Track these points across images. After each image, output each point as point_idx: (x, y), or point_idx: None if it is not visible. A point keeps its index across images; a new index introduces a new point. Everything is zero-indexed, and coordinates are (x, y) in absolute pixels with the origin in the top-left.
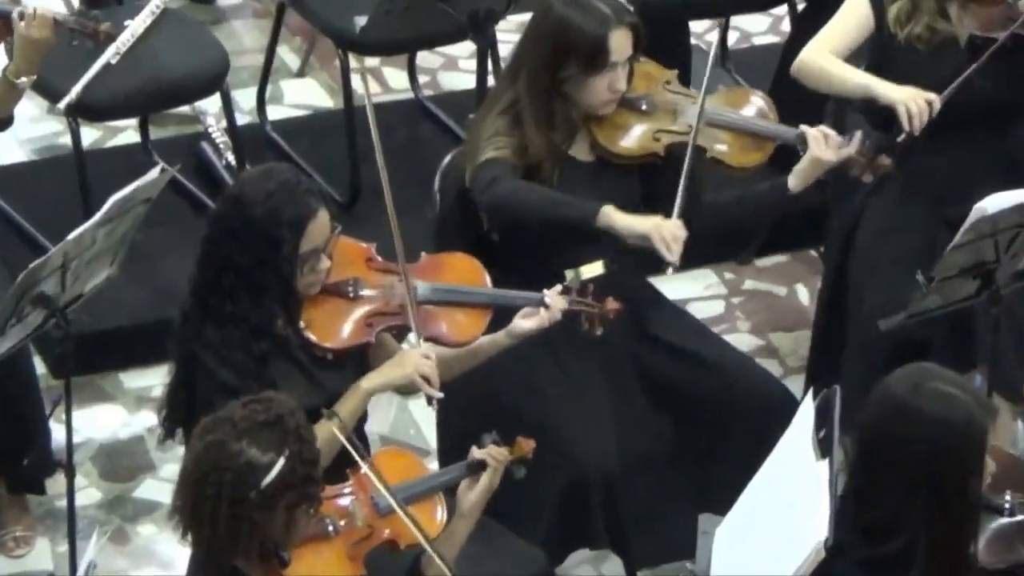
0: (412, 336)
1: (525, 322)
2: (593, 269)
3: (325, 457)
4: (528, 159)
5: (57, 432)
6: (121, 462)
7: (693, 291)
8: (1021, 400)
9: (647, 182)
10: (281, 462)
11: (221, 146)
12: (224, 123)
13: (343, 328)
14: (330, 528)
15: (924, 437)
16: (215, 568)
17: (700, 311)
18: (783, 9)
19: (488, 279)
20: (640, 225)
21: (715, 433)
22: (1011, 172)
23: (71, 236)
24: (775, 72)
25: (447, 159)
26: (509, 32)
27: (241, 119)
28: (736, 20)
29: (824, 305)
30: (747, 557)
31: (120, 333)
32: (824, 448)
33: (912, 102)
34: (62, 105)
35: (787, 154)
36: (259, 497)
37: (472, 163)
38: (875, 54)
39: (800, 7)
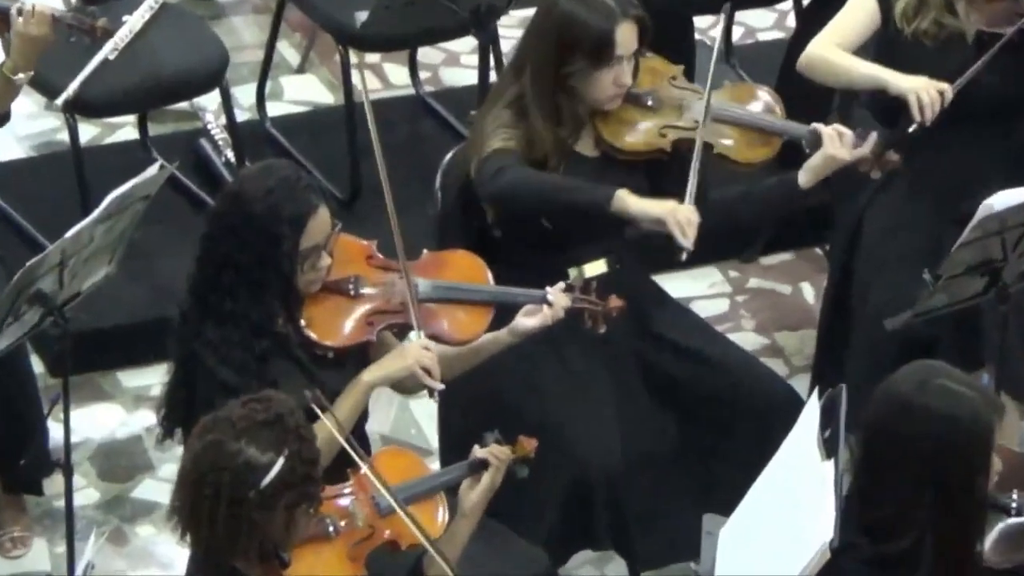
0: (413, 335)
1: (527, 320)
2: (596, 267)
3: (325, 457)
4: (534, 152)
5: (55, 431)
6: (119, 462)
7: (697, 289)
8: None
9: (652, 178)
10: (281, 462)
11: (220, 143)
12: (223, 119)
13: (344, 326)
14: (330, 528)
15: (930, 434)
16: (214, 569)
17: (704, 310)
18: (788, 4)
19: (490, 276)
20: (655, 209)
21: (719, 433)
22: (1018, 169)
23: (69, 233)
24: (780, 68)
25: (448, 156)
26: (511, 28)
27: (240, 115)
28: (741, 15)
29: (830, 304)
30: (752, 558)
31: (118, 331)
32: (829, 448)
33: (924, 91)
34: (60, 101)
35: (794, 152)
36: (258, 497)
37: (478, 155)
38: (881, 50)
39: (805, 2)
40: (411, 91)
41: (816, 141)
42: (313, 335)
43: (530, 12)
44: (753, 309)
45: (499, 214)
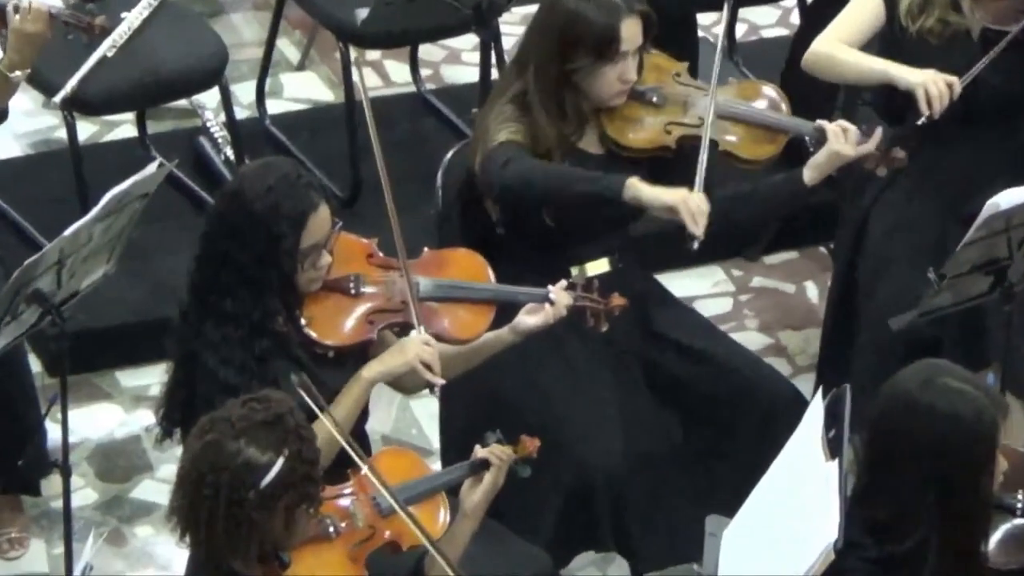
0: (414, 333)
1: (529, 318)
2: (599, 266)
3: (325, 456)
4: (538, 148)
5: (53, 432)
6: (118, 462)
7: (700, 288)
8: None
9: (656, 176)
10: (280, 462)
11: (220, 141)
12: (223, 117)
13: (344, 325)
14: (331, 529)
15: (934, 433)
16: (214, 570)
17: (707, 309)
18: (792, 1)
19: (492, 274)
20: (667, 196)
21: (722, 433)
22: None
23: (67, 232)
24: (784, 65)
25: (450, 154)
26: (513, 24)
27: (240, 113)
28: (744, 12)
29: (834, 303)
30: (755, 559)
31: (117, 331)
32: (834, 448)
33: (932, 84)
34: (58, 99)
35: (798, 149)
36: (258, 497)
37: (483, 148)
38: (885, 48)
39: None
40: (412, 88)
41: (821, 138)
42: (313, 334)
43: (532, 9)
44: (757, 308)
45: (503, 211)
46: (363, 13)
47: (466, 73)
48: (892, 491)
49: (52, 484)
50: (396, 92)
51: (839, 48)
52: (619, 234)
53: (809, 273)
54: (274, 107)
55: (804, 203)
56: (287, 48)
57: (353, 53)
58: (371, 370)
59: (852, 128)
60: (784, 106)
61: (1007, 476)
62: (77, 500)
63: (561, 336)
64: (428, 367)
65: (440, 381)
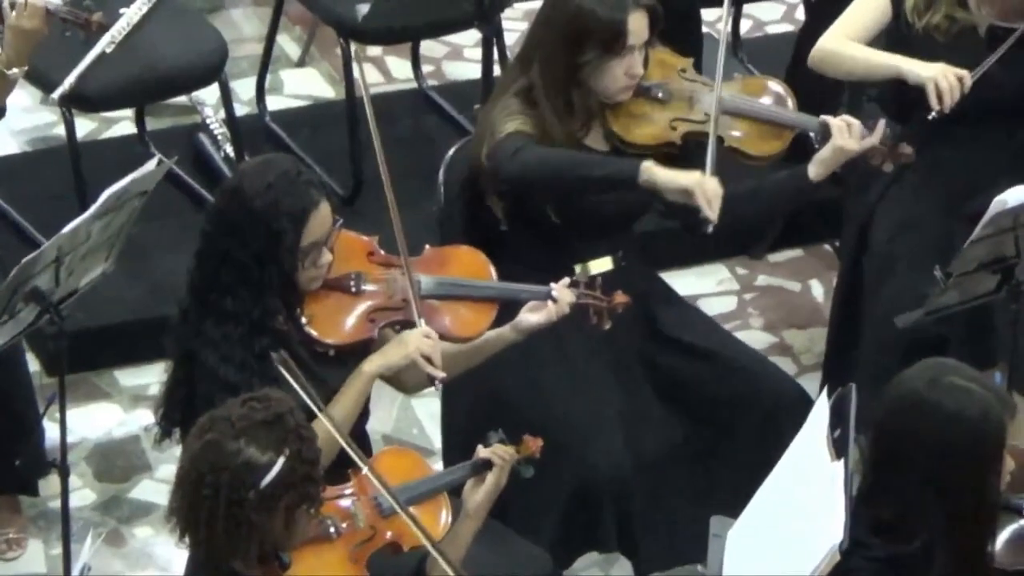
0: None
1: (532, 316)
2: (602, 264)
3: (325, 456)
4: (545, 141)
5: (51, 431)
6: (116, 462)
7: (704, 287)
8: None
9: None
10: (281, 461)
11: (219, 137)
12: (222, 114)
13: (345, 323)
14: (331, 530)
15: (940, 432)
16: (213, 570)
17: (711, 307)
18: None
19: (494, 272)
20: (683, 179)
21: (727, 433)
22: None
23: (65, 230)
24: (789, 61)
25: (452, 151)
26: (515, 20)
27: (240, 110)
28: (749, 8)
29: (840, 301)
30: (760, 560)
31: (116, 330)
32: (839, 448)
33: (943, 78)
34: (56, 95)
35: (803, 146)
36: (258, 497)
37: (490, 140)
38: (892, 45)
39: None
40: (413, 85)
41: (825, 133)
42: (314, 333)
43: (535, 4)
44: (761, 307)
45: (510, 205)
46: (364, 8)
47: (468, 69)
48: (898, 491)
49: (50, 484)
50: (397, 88)
51: (846, 44)
52: (623, 232)
53: (814, 271)
54: (274, 104)
55: (809, 199)
56: (287, 44)
57: (353, 48)
58: (372, 364)
59: (856, 123)
60: (790, 102)
61: (1014, 476)
62: (75, 500)
63: (564, 334)
64: (429, 360)
65: (441, 374)
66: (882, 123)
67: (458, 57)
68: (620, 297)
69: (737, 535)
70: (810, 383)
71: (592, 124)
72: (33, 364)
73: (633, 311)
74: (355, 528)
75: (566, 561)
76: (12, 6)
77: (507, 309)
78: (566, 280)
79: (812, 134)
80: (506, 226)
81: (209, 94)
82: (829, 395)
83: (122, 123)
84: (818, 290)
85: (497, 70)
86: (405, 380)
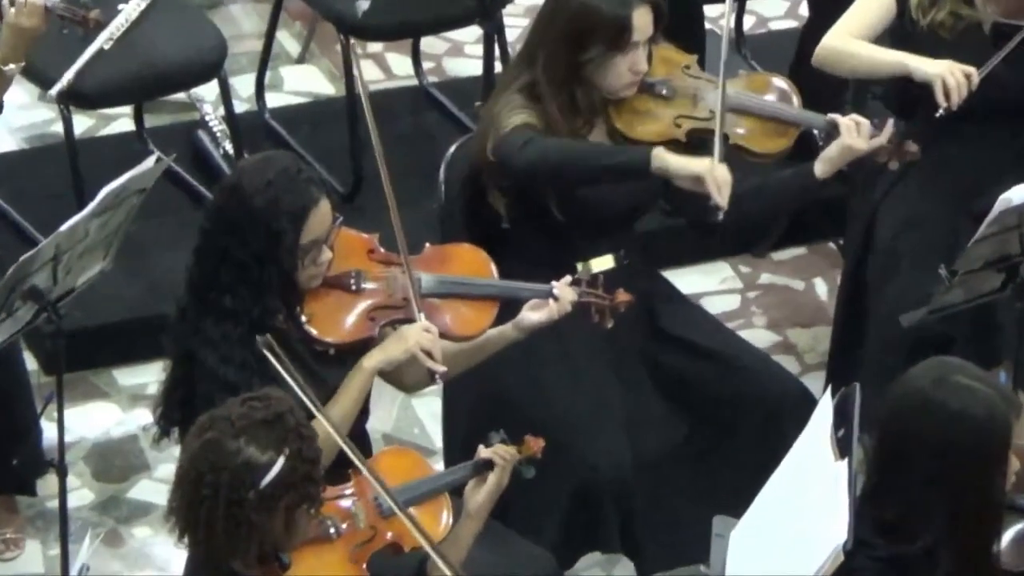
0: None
1: (533, 314)
2: (603, 263)
3: (325, 456)
4: (549, 136)
5: (48, 431)
6: (115, 462)
7: (707, 285)
8: None
9: None
10: (281, 461)
11: (218, 135)
12: (221, 111)
13: (345, 322)
14: (331, 530)
15: (945, 432)
16: (213, 571)
17: (715, 306)
18: None
19: (495, 270)
20: (694, 165)
21: (730, 432)
22: None
23: (63, 228)
24: (793, 58)
25: (453, 148)
26: (517, 16)
27: (239, 107)
28: (752, 4)
29: (844, 300)
30: (763, 560)
31: (114, 328)
32: (843, 447)
33: (950, 75)
34: (54, 92)
35: (806, 143)
36: (258, 497)
37: (495, 134)
38: (896, 42)
39: None
40: (414, 82)
41: (832, 131)
42: (314, 331)
43: (537, 0)
44: (765, 305)
45: (515, 201)
46: (364, 4)
47: (469, 66)
48: (902, 491)
49: (48, 484)
50: (398, 85)
51: (851, 42)
52: (626, 230)
53: (818, 269)
54: (274, 100)
55: (815, 197)
56: (287, 40)
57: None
58: (372, 359)
59: (864, 122)
60: (795, 99)
61: (1019, 476)
62: (73, 500)
63: (565, 333)
64: (428, 354)
65: (441, 368)
66: (891, 122)
67: (459, 54)
68: (622, 295)
69: (740, 535)
70: (814, 382)
71: (596, 121)
72: (31, 363)
73: (635, 310)
74: (355, 528)
75: (568, 561)
76: (11, 3)
77: (508, 308)
78: (568, 278)
79: (816, 131)
80: (508, 223)
81: (208, 91)
82: (833, 394)
83: (120, 120)
84: (822, 288)
85: (498, 67)
86: (405, 378)
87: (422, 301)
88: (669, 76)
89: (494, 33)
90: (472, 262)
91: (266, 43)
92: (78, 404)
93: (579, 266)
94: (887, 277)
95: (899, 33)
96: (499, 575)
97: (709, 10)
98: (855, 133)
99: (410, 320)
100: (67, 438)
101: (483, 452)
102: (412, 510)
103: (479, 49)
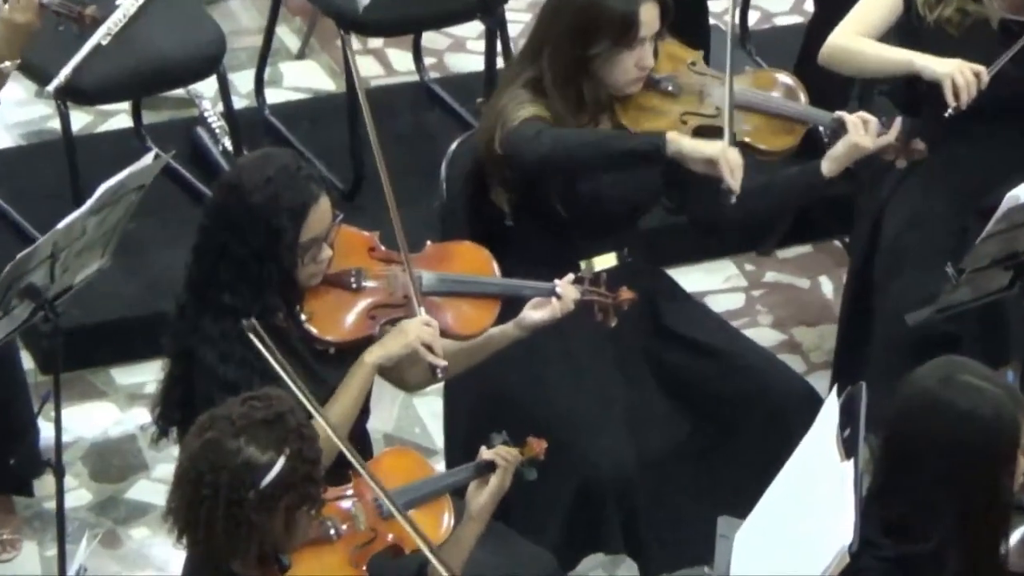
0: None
1: (535, 313)
2: (606, 260)
3: (325, 456)
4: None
5: (45, 430)
6: (113, 462)
7: (712, 284)
8: None
9: (669, 166)
10: (281, 461)
11: (217, 131)
12: (220, 107)
13: (345, 321)
14: (331, 531)
15: (953, 431)
16: (212, 572)
17: (719, 304)
18: None
19: (496, 268)
20: (708, 148)
21: (734, 432)
22: None
23: (60, 225)
24: (798, 54)
25: (454, 145)
26: (519, 12)
27: (238, 103)
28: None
29: (850, 298)
30: (768, 561)
31: (112, 327)
32: (849, 447)
33: (959, 74)
34: (51, 88)
35: (812, 140)
36: (258, 498)
37: (502, 128)
38: (903, 39)
39: None
40: (415, 78)
41: (839, 129)
42: (314, 330)
43: None
44: (770, 304)
45: (522, 195)
46: (364, 0)
47: (471, 62)
48: (909, 491)
49: (45, 484)
50: (399, 81)
51: (858, 40)
52: (629, 227)
53: (824, 268)
54: (273, 96)
55: (821, 196)
56: (287, 36)
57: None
58: (372, 354)
59: (872, 119)
60: (802, 95)
61: None
62: (71, 501)
63: (568, 331)
64: (429, 348)
65: (442, 363)
66: (898, 120)
67: (461, 49)
68: (626, 294)
69: (745, 535)
70: (820, 381)
71: (601, 117)
72: (28, 362)
73: (639, 308)
74: (355, 530)
75: (571, 562)
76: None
77: (510, 306)
78: (570, 276)
79: (822, 129)
80: (512, 220)
81: (207, 87)
82: (839, 393)
83: (118, 116)
84: (827, 287)
85: (500, 63)
86: (406, 377)
87: (423, 299)
88: (675, 72)
89: (496, 29)
90: (474, 260)
91: (266, 38)
92: (75, 403)
93: (582, 264)
94: (893, 275)
95: (905, 29)
96: (500, 575)
97: (713, 5)
98: (862, 131)
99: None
100: (64, 438)
101: (485, 453)
102: (413, 512)
103: (481, 45)
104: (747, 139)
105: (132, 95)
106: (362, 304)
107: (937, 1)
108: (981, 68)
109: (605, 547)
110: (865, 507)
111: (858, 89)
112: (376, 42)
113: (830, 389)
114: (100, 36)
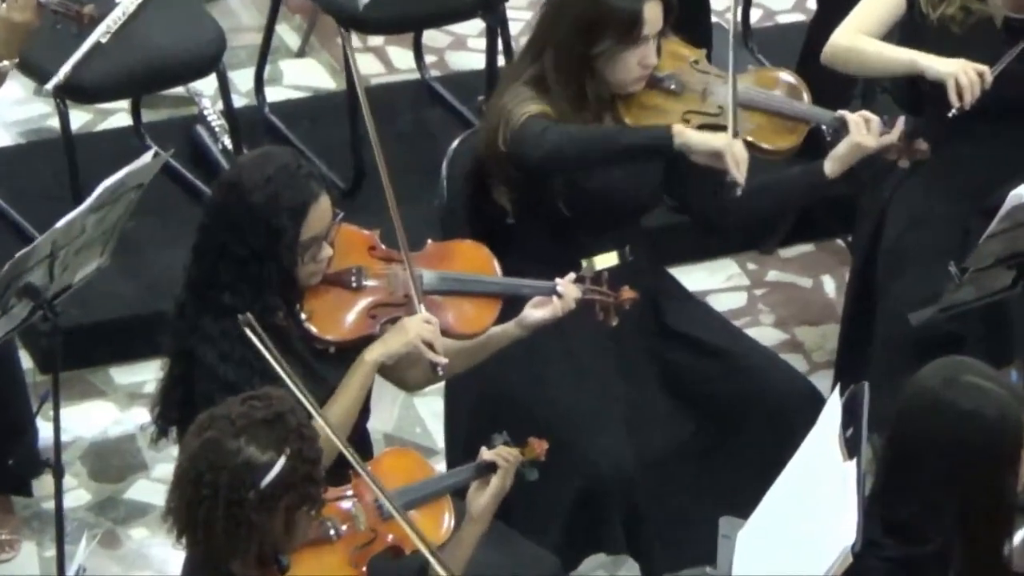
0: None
1: (537, 312)
2: (607, 259)
3: (326, 456)
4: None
5: (44, 430)
6: (112, 462)
7: (714, 283)
8: None
9: (671, 165)
10: (281, 461)
11: (217, 129)
12: (220, 105)
13: (345, 320)
14: (331, 532)
15: (956, 432)
16: (211, 573)
17: (721, 303)
18: None
19: (498, 267)
20: (714, 140)
21: (736, 432)
22: None
23: (59, 224)
24: (800, 52)
25: (455, 143)
26: (520, 9)
27: (238, 101)
28: None
29: (852, 298)
30: (770, 561)
31: (111, 326)
32: (851, 447)
33: (963, 74)
34: (50, 86)
35: (814, 139)
36: (258, 498)
37: (506, 126)
38: (906, 37)
39: None
40: (416, 76)
41: (841, 128)
42: (314, 329)
43: None
44: (772, 303)
45: (517, 199)
46: None
47: (472, 60)
48: (912, 491)
49: (44, 484)
50: (399, 79)
51: (861, 39)
52: (631, 226)
53: (826, 267)
54: (273, 95)
55: (823, 196)
56: (287, 34)
57: (357, 41)
58: (373, 352)
59: (874, 119)
60: (805, 94)
61: None
62: (70, 501)
63: (569, 331)
64: (430, 346)
65: (443, 360)
66: (901, 120)
67: (461, 47)
68: (627, 293)
69: (748, 535)
70: (822, 381)
71: (604, 116)
72: (26, 361)
73: (640, 307)
74: (355, 530)
75: (573, 562)
76: None
77: (511, 305)
78: (572, 275)
79: (825, 128)
80: (513, 219)
81: (207, 85)
82: (841, 393)
83: (118, 115)
84: (830, 286)
85: (501, 61)
86: (407, 376)
87: (424, 298)
88: (677, 71)
89: (497, 26)
90: (475, 259)
91: (265, 36)
92: (75, 403)
93: (583, 263)
94: (896, 275)
95: (908, 27)
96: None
97: (715, 3)
98: (864, 130)
99: None
100: (63, 438)
101: (486, 454)
102: (413, 513)
103: (482, 43)
104: (750, 138)
105: (131, 93)
106: (362, 303)
107: None
108: (985, 68)
109: (607, 547)
110: (868, 507)
111: (861, 87)
112: (376, 40)
113: (832, 389)
114: (99, 34)
